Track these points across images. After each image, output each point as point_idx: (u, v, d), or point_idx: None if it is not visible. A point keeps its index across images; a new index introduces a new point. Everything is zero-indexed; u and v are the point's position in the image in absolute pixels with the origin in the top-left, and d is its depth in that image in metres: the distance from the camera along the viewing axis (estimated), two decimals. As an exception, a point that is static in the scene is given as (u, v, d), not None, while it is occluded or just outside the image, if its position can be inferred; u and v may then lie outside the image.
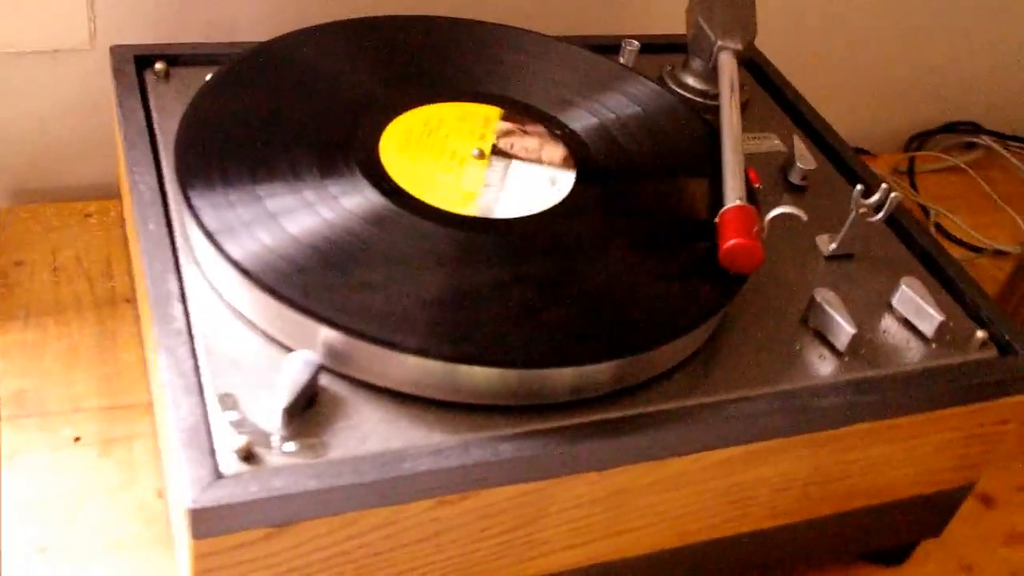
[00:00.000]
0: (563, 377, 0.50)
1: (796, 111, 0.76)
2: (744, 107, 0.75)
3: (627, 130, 0.65)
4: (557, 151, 0.62)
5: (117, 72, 0.65)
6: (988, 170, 1.03)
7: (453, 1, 0.80)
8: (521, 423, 0.50)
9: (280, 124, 0.59)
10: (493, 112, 0.64)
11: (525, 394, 0.51)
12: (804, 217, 0.56)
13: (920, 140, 1.05)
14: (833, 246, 0.64)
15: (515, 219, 0.57)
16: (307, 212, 0.54)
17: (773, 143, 0.72)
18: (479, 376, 0.50)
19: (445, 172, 0.59)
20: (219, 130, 0.58)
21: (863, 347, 0.59)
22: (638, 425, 0.51)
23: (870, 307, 0.61)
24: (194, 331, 0.52)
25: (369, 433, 0.49)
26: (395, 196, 0.56)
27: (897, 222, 0.68)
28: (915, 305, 0.60)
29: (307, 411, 0.49)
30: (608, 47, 0.75)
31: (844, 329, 0.57)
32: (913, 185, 0.99)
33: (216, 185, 0.55)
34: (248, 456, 0.47)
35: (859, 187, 0.61)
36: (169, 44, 0.68)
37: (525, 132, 0.62)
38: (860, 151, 1.03)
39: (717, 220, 0.57)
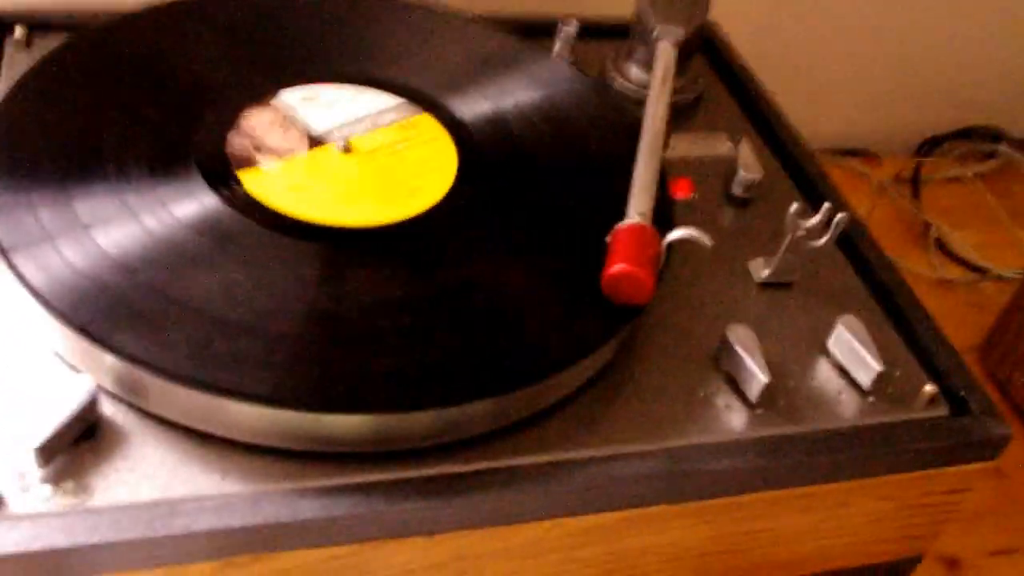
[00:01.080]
0: (373, 424, 0.42)
1: (755, 109, 0.66)
2: (695, 103, 0.66)
3: (526, 119, 0.56)
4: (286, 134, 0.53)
5: (-33, 36, 0.58)
6: (1007, 183, 0.92)
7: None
8: (335, 474, 0.42)
9: (114, 115, 0.52)
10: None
11: (332, 441, 0.43)
12: (707, 243, 0.47)
13: (933, 145, 0.94)
14: (766, 272, 0.54)
15: (372, 229, 0.49)
16: (126, 221, 0.47)
17: (723, 146, 0.63)
18: (278, 419, 0.42)
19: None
20: (41, 119, 0.50)
21: (781, 398, 0.49)
22: (473, 484, 0.43)
23: (803, 348, 0.52)
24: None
25: (148, 477, 0.41)
26: (236, 202, 0.48)
27: (853, 246, 0.58)
28: (851, 349, 0.51)
29: (81, 445, 0.42)
30: (544, 29, 0.66)
31: (756, 376, 0.48)
32: (916, 195, 0.88)
33: (23, 184, 0.47)
34: (-9, 501, 0.39)
35: (795, 206, 0.52)
36: (39, 9, 0.61)
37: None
38: (862, 153, 0.92)
39: (608, 239, 0.48)
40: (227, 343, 0.42)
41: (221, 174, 0.49)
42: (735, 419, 0.48)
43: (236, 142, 0.51)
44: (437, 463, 0.43)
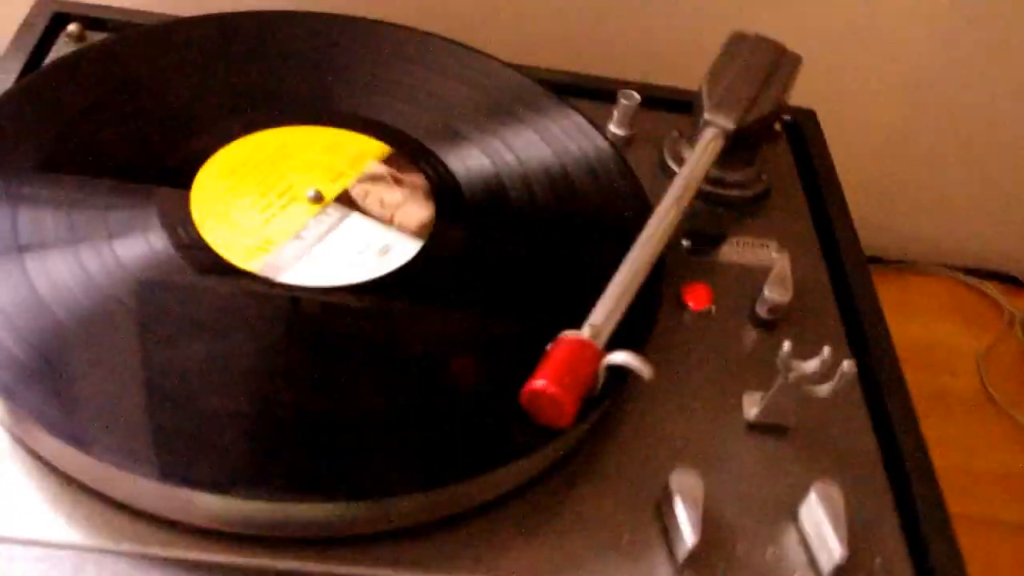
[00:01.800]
0: (239, 507, 0.39)
1: (824, 214, 0.59)
2: (760, 199, 0.59)
3: (525, 179, 0.52)
4: (419, 213, 0.49)
5: (23, 26, 0.59)
6: None
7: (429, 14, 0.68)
8: (188, 549, 0.40)
9: (95, 134, 0.50)
10: (373, 148, 0.52)
11: (202, 517, 0.40)
12: (645, 375, 0.41)
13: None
14: (754, 412, 0.48)
15: (298, 287, 0.45)
16: (64, 250, 0.45)
17: (769, 255, 0.56)
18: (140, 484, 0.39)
19: (260, 209, 0.48)
20: (26, 119, 0.50)
21: (720, 564, 0.43)
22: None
23: (772, 510, 0.45)
24: None
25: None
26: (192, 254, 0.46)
27: (879, 396, 0.50)
28: (820, 523, 0.43)
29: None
30: (607, 93, 0.61)
31: (684, 534, 0.42)
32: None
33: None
34: None
35: (786, 345, 0.45)
36: (101, 6, 0.62)
37: (396, 181, 0.50)
38: (1003, 277, 0.81)
39: (547, 348, 0.43)
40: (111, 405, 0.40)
41: (179, 216, 0.47)
42: (653, 578, 0.42)
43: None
44: (287, 557, 0.40)
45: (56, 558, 0.39)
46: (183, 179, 0.49)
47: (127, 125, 0.51)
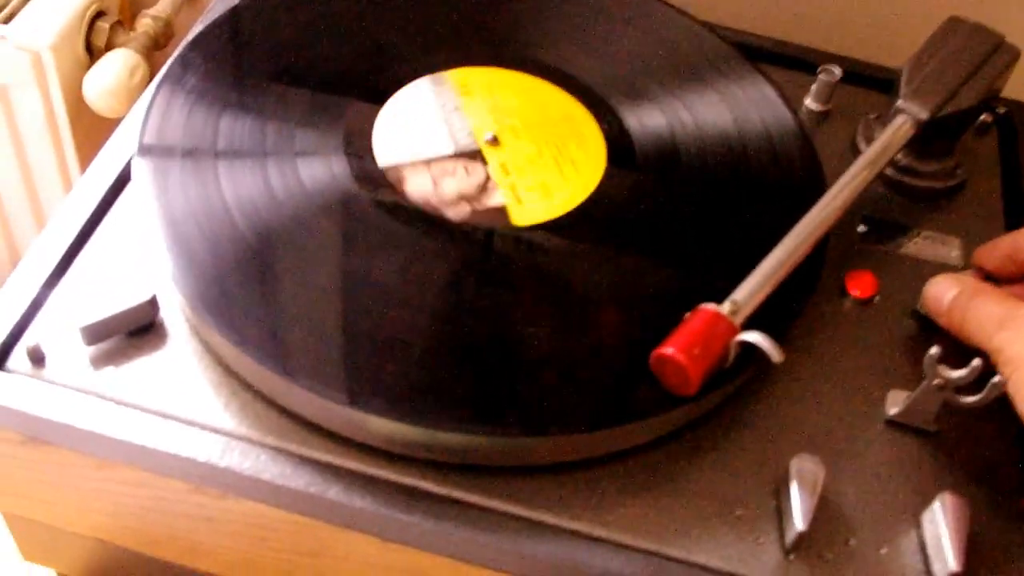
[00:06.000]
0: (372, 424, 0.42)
1: (1020, 218, 0.56)
2: (952, 192, 0.57)
3: (700, 144, 0.52)
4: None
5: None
6: None
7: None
8: (316, 449, 0.43)
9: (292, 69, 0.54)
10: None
11: (346, 428, 0.43)
12: (775, 357, 0.41)
13: None
14: (894, 410, 0.47)
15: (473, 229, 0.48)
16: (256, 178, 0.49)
17: (949, 253, 0.54)
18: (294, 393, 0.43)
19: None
20: (247, 34, 0.55)
21: (830, 554, 0.43)
22: (431, 508, 0.42)
23: (898, 511, 0.44)
24: (106, 220, 0.50)
25: (171, 390, 0.44)
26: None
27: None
28: (938, 535, 0.42)
29: (139, 338, 0.46)
30: (809, 64, 0.60)
31: (794, 520, 0.42)
32: None
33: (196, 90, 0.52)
34: (37, 359, 0.45)
35: (934, 349, 0.43)
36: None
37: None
38: None
39: (685, 316, 0.44)
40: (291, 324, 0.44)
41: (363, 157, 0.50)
42: (759, 556, 0.42)
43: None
44: (415, 475, 0.43)
45: (204, 442, 0.43)
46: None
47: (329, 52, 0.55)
